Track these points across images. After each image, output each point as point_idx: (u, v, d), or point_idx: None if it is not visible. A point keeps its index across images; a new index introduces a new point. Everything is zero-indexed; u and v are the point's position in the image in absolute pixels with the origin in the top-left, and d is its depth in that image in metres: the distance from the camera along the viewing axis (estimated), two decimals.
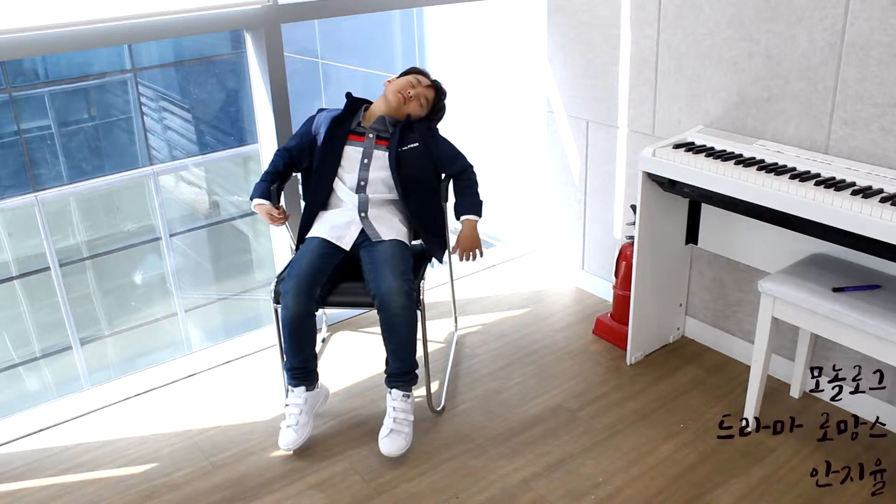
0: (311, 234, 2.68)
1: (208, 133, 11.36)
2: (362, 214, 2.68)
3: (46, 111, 10.29)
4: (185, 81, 11.40)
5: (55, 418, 2.77)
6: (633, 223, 2.82)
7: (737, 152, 2.55)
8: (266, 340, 3.18)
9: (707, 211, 2.86)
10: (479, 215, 2.75)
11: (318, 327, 3.29)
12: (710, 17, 2.69)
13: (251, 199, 2.68)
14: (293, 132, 2.92)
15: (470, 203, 2.75)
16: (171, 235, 9.76)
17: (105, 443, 2.66)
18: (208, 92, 11.40)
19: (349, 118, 2.78)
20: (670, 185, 2.63)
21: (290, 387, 2.58)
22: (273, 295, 2.56)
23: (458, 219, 2.75)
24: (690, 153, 2.58)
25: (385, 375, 2.57)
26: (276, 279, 2.62)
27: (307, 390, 2.57)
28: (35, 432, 2.71)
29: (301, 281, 2.48)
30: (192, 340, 9.25)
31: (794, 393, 2.77)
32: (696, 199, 2.68)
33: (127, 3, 2.54)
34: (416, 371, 2.57)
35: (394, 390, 2.55)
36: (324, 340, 3.23)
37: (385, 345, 2.53)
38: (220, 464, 2.54)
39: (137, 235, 9.85)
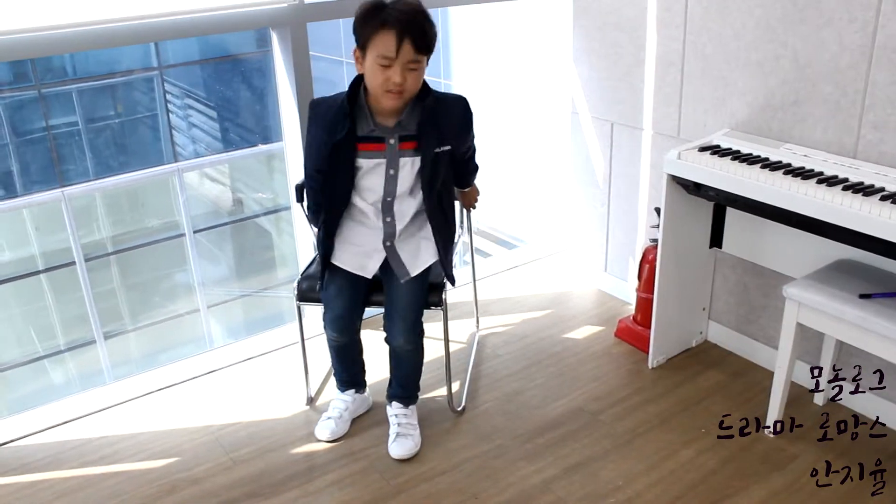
0: (334, 259, 2.43)
1: (233, 131, 11.44)
2: (387, 244, 2.40)
3: (74, 107, 10.41)
4: (211, 79, 11.49)
5: (78, 411, 2.80)
6: (657, 226, 2.80)
7: (763, 156, 2.52)
8: (288, 338, 3.19)
9: (732, 214, 2.83)
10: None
11: None
12: (737, 19, 2.67)
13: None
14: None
15: (474, 172, 2.66)
16: (194, 232, 9.83)
17: (127, 436, 2.69)
18: (233, 90, 11.48)
19: (355, 118, 2.19)
20: (695, 188, 2.61)
21: (339, 390, 2.69)
22: (296, 293, 2.57)
23: (465, 186, 2.66)
24: (716, 156, 2.56)
25: (386, 390, 2.65)
26: (299, 276, 2.63)
27: (356, 392, 2.69)
28: (59, 424, 2.74)
29: (342, 322, 2.50)
30: (215, 337, 9.32)
31: (818, 400, 2.74)
32: (722, 202, 2.66)
33: (154, 2, 2.56)
34: (418, 393, 2.65)
35: (394, 403, 2.61)
36: None
37: (390, 370, 2.61)
38: (240, 460, 2.55)
39: (161, 231, 9.94)
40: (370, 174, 2.28)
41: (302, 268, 2.78)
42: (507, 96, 6.35)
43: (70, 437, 2.69)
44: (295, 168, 3.06)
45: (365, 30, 2.01)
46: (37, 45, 2.40)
